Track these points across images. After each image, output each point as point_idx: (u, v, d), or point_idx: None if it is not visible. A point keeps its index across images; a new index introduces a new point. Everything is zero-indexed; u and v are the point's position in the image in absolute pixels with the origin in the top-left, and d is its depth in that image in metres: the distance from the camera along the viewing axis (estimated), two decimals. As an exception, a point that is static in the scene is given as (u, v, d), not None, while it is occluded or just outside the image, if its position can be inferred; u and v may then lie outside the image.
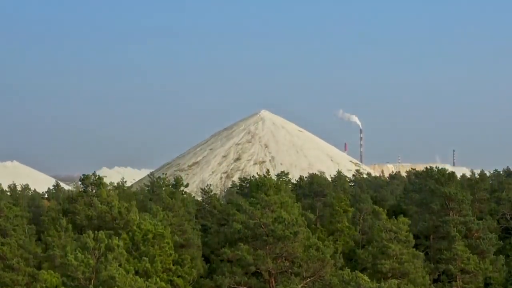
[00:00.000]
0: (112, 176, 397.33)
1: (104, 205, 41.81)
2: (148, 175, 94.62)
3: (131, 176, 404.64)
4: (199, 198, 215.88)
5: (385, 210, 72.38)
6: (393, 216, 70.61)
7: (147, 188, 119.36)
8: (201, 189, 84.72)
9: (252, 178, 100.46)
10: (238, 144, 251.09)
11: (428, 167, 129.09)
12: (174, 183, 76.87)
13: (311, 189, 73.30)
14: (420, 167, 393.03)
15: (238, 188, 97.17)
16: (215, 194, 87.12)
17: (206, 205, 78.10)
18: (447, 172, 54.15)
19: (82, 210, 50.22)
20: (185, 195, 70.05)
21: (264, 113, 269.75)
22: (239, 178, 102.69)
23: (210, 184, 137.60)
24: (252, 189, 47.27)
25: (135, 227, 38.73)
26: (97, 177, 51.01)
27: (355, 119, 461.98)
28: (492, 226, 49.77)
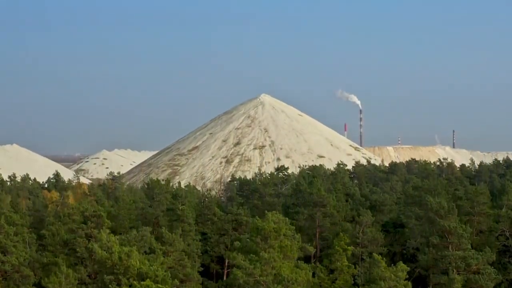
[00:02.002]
0: (112, 158, 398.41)
1: (104, 250, 41.90)
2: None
3: (131, 158, 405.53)
4: (199, 186, 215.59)
5: (385, 221, 72.88)
6: (393, 228, 71.32)
7: (146, 187, 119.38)
8: (202, 194, 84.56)
9: (252, 180, 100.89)
10: (238, 129, 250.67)
11: (428, 159, 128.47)
12: (174, 193, 76.64)
13: (311, 199, 73.21)
14: (421, 150, 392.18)
15: (238, 190, 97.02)
16: (215, 198, 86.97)
17: (206, 210, 77.98)
18: (446, 205, 54.13)
19: (82, 242, 50.44)
20: (184, 206, 69.95)
21: (264, 97, 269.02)
22: (240, 180, 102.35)
23: (210, 189, 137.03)
24: (252, 233, 47.24)
25: (135, 282, 38.79)
26: (97, 210, 51.04)
27: (354, 98, 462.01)
28: (491, 259, 49.96)
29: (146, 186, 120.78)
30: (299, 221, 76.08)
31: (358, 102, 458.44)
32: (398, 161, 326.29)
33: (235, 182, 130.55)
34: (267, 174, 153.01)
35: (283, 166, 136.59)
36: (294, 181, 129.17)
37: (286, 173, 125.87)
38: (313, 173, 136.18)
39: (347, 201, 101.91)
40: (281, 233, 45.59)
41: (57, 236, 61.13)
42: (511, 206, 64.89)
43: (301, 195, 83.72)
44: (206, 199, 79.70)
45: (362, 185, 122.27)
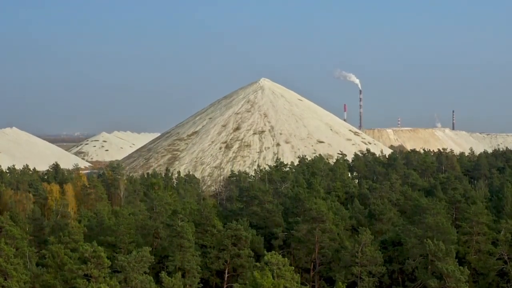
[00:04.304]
0: (111, 140, 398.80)
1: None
2: (145, 174, 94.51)
3: (131, 140, 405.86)
4: (198, 174, 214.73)
5: (384, 239, 73.12)
6: (392, 246, 71.59)
7: (145, 179, 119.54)
8: (199, 203, 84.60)
9: (251, 180, 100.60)
10: (238, 113, 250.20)
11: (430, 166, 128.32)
12: (172, 209, 76.69)
13: (310, 214, 73.41)
14: (420, 133, 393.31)
15: (238, 195, 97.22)
16: (214, 206, 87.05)
17: (206, 221, 78.26)
18: (444, 247, 54.22)
19: (82, 284, 50.73)
20: (184, 223, 70.06)
21: (264, 82, 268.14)
22: (239, 176, 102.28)
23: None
24: (251, 285, 47.30)
25: None
26: (95, 249, 51.15)
27: (353, 78, 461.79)
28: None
29: (145, 178, 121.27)
30: (299, 231, 76.50)
31: (357, 81, 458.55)
32: (397, 144, 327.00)
33: (234, 178, 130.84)
34: (267, 168, 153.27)
35: (282, 162, 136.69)
36: (293, 176, 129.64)
37: (284, 168, 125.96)
38: (312, 169, 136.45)
39: (346, 205, 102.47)
40: (281, 283, 45.70)
41: (57, 258, 61.45)
42: (510, 229, 65.11)
43: (300, 204, 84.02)
44: (206, 209, 79.54)
45: (361, 183, 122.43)
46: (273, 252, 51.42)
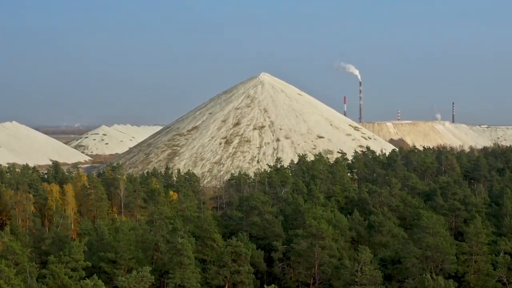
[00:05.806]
0: (111, 134, 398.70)
1: None
2: (145, 170, 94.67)
3: (131, 133, 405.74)
4: (198, 170, 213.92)
5: (383, 256, 73.28)
6: (392, 264, 71.77)
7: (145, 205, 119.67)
8: (199, 207, 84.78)
9: (250, 192, 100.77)
10: (238, 109, 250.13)
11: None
12: (172, 225, 76.84)
13: (310, 231, 73.49)
14: (420, 126, 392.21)
15: (237, 205, 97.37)
16: (214, 218, 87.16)
17: (205, 234, 78.49)
18: (443, 282, 54.19)
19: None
20: (184, 240, 70.15)
21: (264, 76, 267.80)
22: (240, 196, 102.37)
23: (208, 196, 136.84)
24: None
25: None
26: (96, 283, 51.31)
27: (352, 69, 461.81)
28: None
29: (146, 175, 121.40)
30: (299, 245, 76.63)
31: (357, 72, 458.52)
32: (397, 138, 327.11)
33: (234, 181, 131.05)
34: (267, 167, 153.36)
35: (282, 165, 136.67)
36: (293, 178, 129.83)
37: (285, 171, 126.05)
38: (312, 171, 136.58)
39: (347, 210, 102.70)
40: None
41: (57, 279, 61.69)
42: (508, 251, 65.27)
43: (300, 216, 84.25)
44: (206, 221, 79.68)
45: (361, 186, 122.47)
46: (273, 285, 51.59)
